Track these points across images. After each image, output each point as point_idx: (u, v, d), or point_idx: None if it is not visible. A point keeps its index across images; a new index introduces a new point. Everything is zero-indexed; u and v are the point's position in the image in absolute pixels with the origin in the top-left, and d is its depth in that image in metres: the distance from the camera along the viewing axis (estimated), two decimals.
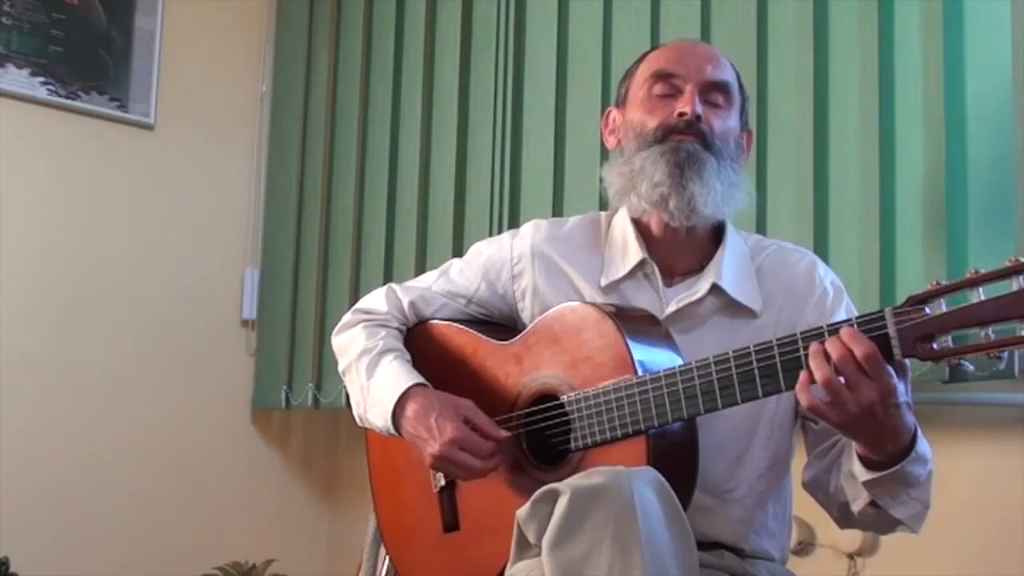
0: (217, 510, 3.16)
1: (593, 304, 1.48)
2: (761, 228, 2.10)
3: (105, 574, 2.91)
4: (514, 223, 2.57)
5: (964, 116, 1.86)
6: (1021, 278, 1.14)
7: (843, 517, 1.47)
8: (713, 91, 1.55)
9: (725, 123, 1.54)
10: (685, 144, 1.50)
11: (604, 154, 2.06)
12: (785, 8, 2.13)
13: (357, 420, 1.65)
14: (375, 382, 1.59)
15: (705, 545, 1.43)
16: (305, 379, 3.09)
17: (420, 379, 1.56)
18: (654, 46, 2.32)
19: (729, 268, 1.53)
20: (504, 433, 1.49)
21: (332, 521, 3.31)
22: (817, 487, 1.50)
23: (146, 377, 3.09)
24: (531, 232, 1.65)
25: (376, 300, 1.71)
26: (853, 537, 2.03)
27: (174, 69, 3.20)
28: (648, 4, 2.36)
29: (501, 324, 1.67)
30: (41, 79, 2.97)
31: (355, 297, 3.00)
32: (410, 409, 1.52)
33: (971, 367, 1.20)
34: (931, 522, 1.95)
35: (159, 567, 3.01)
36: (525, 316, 1.63)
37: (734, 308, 1.52)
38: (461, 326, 1.65)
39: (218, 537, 3.10)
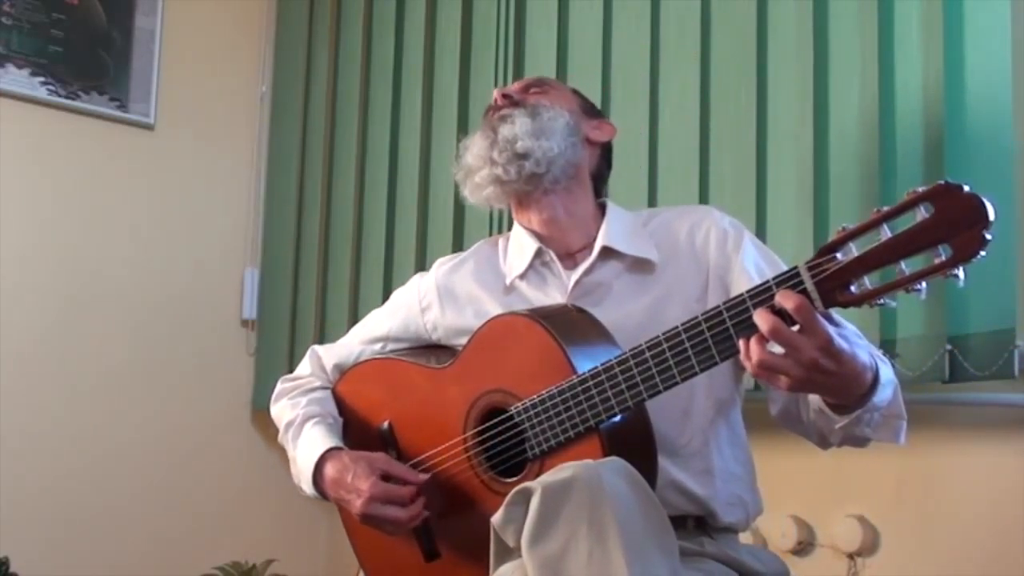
0: (217, 510, 3.16)
1: (516, 313, 1.52)
2: (761, 227, 2.10)
3: (105, 574, 2.91)
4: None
5: (964, 116, 1.86)
6: (923, 208, 1.14)
7: (822, 442, 1.47)
8: (527, 88, 1.69)
9: (546, 98, 1.66)
10: (496, 115, 1.64)
11: None
12: (785, 8, 2.13)
13: (300, 492, 1.69)
14: (298, 453, 1.67)
15: (680, 522, 1.46)
16: None
17: (335, 443, 1.63)
18: (654, 46, 2.35)
19: (616, 231, 1.61)
20: (422, 476, 1.55)
21: (332, 521, 3.30)
22: (788, 418, 1.51)
23: (146, 377, 3.09)
24: (435, 269, 1.76)
25: (302, 366, 1.82)
26: (853, 537, 2.03)
27: (174, 69, 3.20)
28: (648, 4, 2.36)
29: (436, 347, 1.72)
30: (41, 79, 2.97)
31: (355, 297, 3.02)
32: (327, 475, 1.59)
33: (893, 303, 1.20)
34: (931, 522, 1.96)
35: (159, 567, 3.01)
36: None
37: (635, 266, 1.59)
38: (397, 357, 1.71)
39: (218, 537, 3.10)
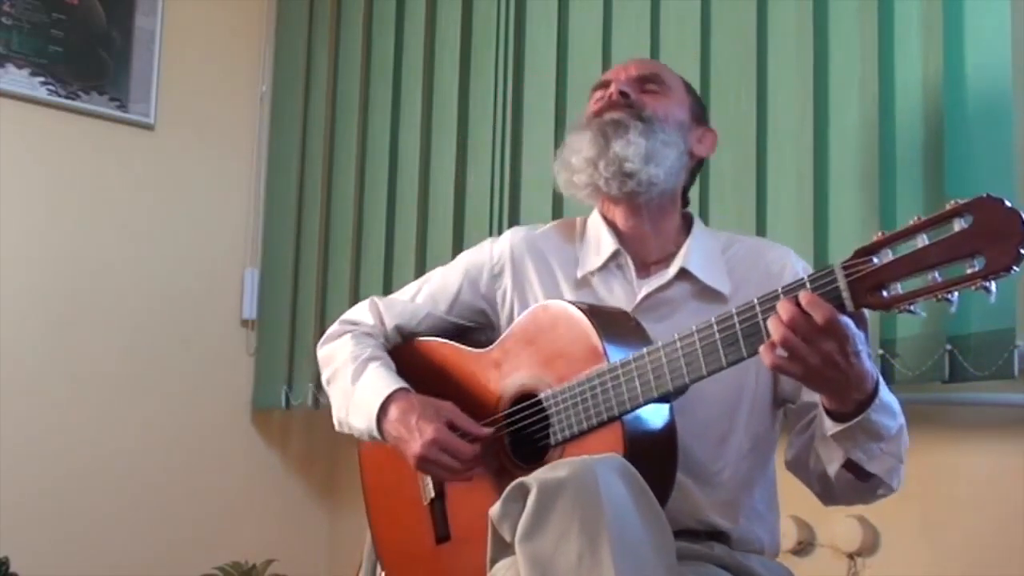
0: (217, 510, 3.16)
1: (564, 300, 1.52)
2: (761, 229, 2.10)
3: (105, 574, 2.91)
4: (514, 223, 2.57)
5: (964, 116, 1.86)
6: (961, 219, 1.15)
7: (824, 489, 1.48)
8: (645, 83, 1.64)
9: (662, 105, 1.61)
10: (611, 114, 1.59)
11: None
12: (785, 8, 2.13)
13: (336, 424, 1.67)
14: (360, 386, 1.62)
15: (693, 533, 1.46)
16: (305, 379, 3.09)
17: (404, 384, 1.59)
18: (654, 46, 2.35)
19: (697, 254, 1.59)
20: (486, 430, 1.52)
21: (332, 521, 3.31)
22: (798, 464, 1.52)
23: (146, 377, 3.09)
24: (510, 236, 1.72)
25: (361, 313, 1.75)
26: (853, 537, 2.03)
27: (174, 69, 3.21)
28: (648, 4, 2.36)
29: (482, 331, 1.70)
30: (41, 79, 2.97)
31: (355, 297, 3.01)
32: (392, 412, 1.56)
33: (922, 314, 1.21)
34: (931, 522, 1.96)
35: (159, 567, 3.01)
36: (504, 315, 1.68)
37: (705, 294, 1.57)
38: (442, 339, 1.69)
39: (218, 537, 3.10)
